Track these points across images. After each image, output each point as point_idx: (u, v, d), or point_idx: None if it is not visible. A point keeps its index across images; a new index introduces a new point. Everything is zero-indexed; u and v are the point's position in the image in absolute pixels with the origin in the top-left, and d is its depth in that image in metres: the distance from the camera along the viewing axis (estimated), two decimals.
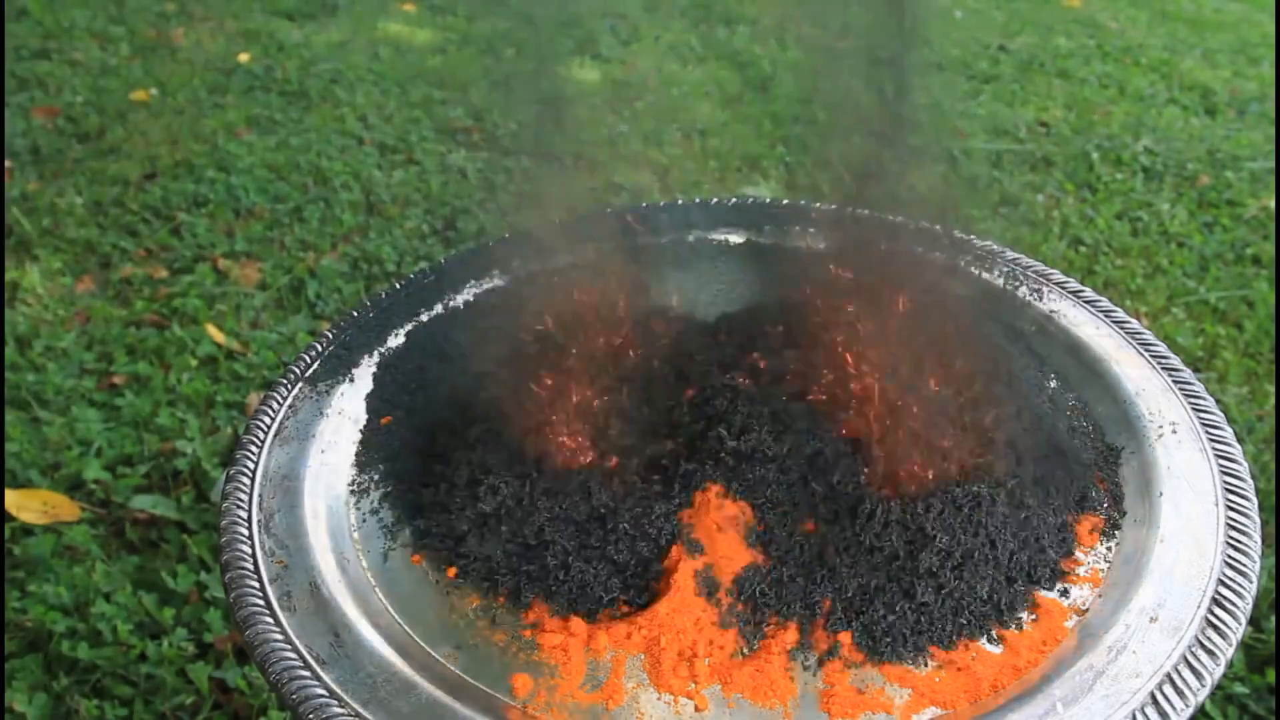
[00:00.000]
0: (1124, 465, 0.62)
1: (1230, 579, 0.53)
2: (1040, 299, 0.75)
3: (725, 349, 0.67)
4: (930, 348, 0.60)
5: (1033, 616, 0.54)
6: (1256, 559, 0.54)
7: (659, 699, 0.50)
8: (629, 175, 2.06)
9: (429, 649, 0.52)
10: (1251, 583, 0.53)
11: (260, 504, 0.58)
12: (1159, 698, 0.48)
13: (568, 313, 0.65)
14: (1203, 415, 0.64)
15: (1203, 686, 0.48)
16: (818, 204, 0.83)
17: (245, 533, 0.55)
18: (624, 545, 0.56)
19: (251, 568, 0.53)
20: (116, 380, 1.44)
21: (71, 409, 1.37)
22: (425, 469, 0.62)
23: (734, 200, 0.86)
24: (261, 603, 0.52)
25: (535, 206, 0.75)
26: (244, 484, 0.59)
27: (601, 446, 0.60)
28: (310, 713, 0.47)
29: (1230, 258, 1.89)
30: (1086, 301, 0.74)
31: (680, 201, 0.87)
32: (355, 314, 0.74)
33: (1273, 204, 2.05)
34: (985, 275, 0.76)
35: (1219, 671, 0.49)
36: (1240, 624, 0.51)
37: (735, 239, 0.83)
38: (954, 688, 0.50)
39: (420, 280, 0.78)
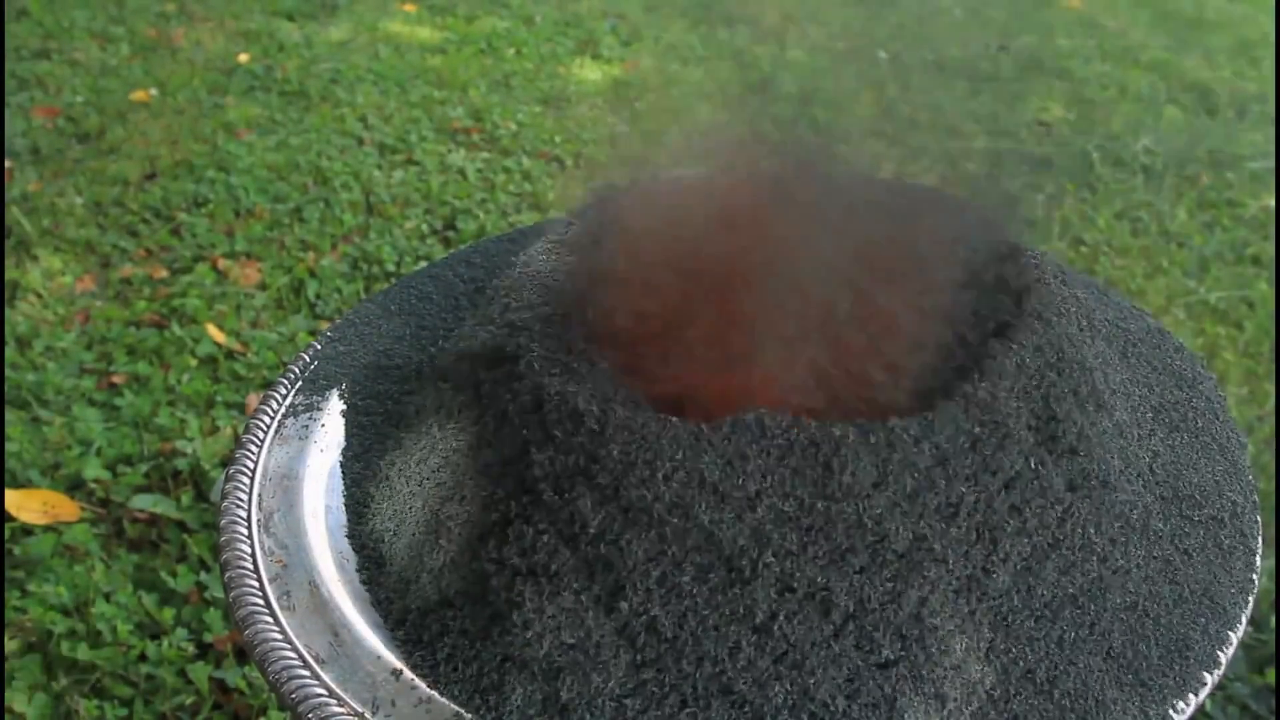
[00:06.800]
0: None
1: None
2: None
3: None
4: None
5: None
6: (1258, 559, 0.54)
7: None
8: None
9: None
10: (1252, 582, 0.53)
11: (260, 504, 0.57)
12: None
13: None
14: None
15: (1203, 685, 0.48)
16: None
17: (245, 532, 0.55)
18: None
19: (251, 567, 0.53)
20: (116, 380, 1.44)
21: (71, 409, 1.37)
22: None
23: None
24: (261, 602, 0.51)
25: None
26: (243, 484, 0.58)
27: None
28: (309, 712, 0.47)
29: (1230, 258, 1.89)
30: None
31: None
32: (355, 312, 0.74)
33: (1273, 204, 2.05)
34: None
35: (1219, 671, 0.48)
36: (1241, 624, 0.51)
37: None
38: None
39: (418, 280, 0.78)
